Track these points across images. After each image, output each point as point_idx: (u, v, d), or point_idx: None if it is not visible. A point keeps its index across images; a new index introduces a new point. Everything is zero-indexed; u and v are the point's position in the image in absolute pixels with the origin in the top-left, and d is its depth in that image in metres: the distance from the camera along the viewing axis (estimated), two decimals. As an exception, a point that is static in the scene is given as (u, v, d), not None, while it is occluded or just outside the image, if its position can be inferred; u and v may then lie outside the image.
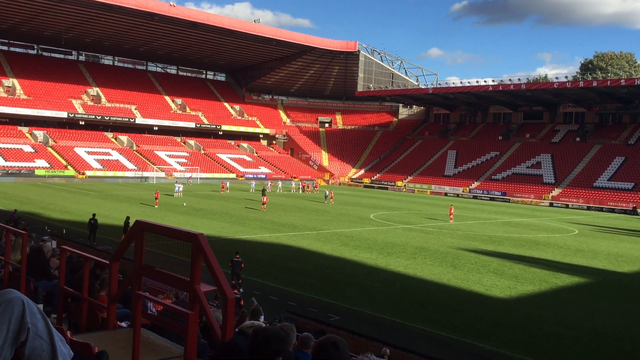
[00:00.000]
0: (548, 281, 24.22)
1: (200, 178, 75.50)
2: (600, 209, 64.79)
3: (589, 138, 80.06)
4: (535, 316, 18.94)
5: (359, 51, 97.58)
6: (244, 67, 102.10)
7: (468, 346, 15.91)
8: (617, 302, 21.62)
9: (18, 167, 65.27)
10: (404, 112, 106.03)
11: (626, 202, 64.74)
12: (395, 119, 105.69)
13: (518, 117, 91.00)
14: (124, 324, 5.74)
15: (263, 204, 46.00)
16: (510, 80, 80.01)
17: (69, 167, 69.09)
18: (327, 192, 57.06)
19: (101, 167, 71.27)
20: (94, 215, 29.37)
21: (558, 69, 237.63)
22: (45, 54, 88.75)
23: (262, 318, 11.66)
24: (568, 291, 22.85)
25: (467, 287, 22.50)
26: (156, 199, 45.05)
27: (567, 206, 67.21)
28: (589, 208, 65.59)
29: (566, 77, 77.92)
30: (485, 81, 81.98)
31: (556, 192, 71.57)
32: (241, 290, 19.55)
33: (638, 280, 26.01)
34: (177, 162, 79.10)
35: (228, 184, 65.13)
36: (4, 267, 7.14)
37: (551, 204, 68.79)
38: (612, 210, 63.96)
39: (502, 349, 15.70)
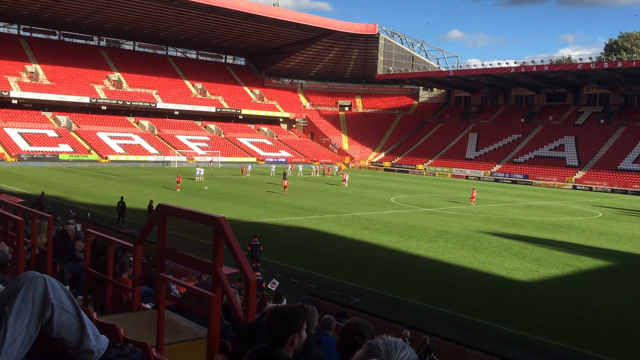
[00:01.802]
0: (571, 264, 24.02)
1: (221, 162, 75.87)
2: (625, 192, 63.85)
3: (613, 120, 78.71)
4: (558, 299, 18.82)
5: (378, 34, 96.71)
6: (263, 51, 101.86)
7: (489, 329, 15.88)
8: (641, 286, 21.37)
9: (42, 151, 66.17)
10: (424, 95, 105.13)
11: (651, 185, 63.74)
12: (415, 102, 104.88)
13: (541, 100, 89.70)
14: (148, 306, 5.82)
15: (285, 187, 46.12)
16: (532, 61, 78.74)
17: (92, 151, 69.88)
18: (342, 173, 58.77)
19: (123, 152, 71.96)
20: (121, 198, 29.81)
21: (581, 50, 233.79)
22: (66, 39, 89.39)
23: (284, 302, 11.76)
24: (591, 274, 22.64)
25: (489, 270, 22.41)
26: (178, 182, 45.48)
27: (590, 189, 66.34)
28: (613, 191, 64.69)
29: (590, 58, 76.55)
30: (507, 63, 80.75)
31: (579, 174, 70.64)
32: (259, 273, 19.67)
33: (663, 263, 25.65)
34: (198, 147, 79.54)
35: (250, 168, 65.39)
36: (30, 250, 7.26)
37: (574, 187, 67.95)
38: (637, 193, 62.97)
39: (524, 331, 15.65)
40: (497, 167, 77.97)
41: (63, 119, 74.94)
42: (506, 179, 73.91)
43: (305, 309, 5.83)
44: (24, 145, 66.16)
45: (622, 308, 18.26)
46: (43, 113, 75.30)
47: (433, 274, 21.71)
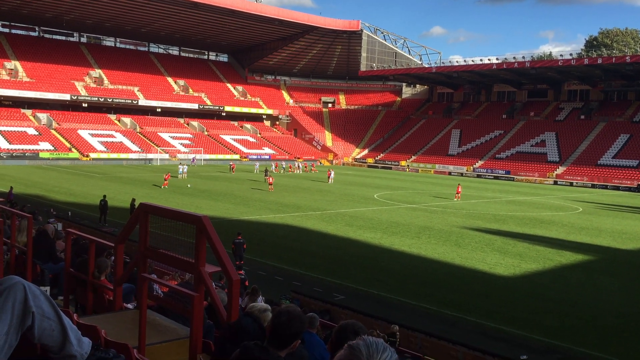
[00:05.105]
0: (552, 259, 24.27)
1: (204, 159, 75.50)
2: (605, 187, 64.64)
3: (593, 116, 79.59)
4: (539, 294, 19.01)
5: (361, 30, 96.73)
6: (246, 48, 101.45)
7: (472, 324, 16.00)
8: (621, 280, 21.66)
9: (22, 149, 65.34)
10: (407, 92, 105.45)
11: (631, 180, 64.57)
12: (398, 99, 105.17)
13: (522, 96, 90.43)
14: (130, 306, 5.78)
15: (270, 184, 45.97)
16: (514, 58, 79.54)
17: (73, 149, 69.16)
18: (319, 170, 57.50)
19: (105, 149, 71.31)
20: (104, 196, 29.56)
21: (561, 47, 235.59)
22: (46, 35, 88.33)
23: (261, 297, 11.76)
24: (572, 269, 22.90)
25: (471, 265, 22.57)
26: (165, 179, 45.16)
27: (571, 184, 67.09)
28: (593, 186, 65.46)
29: (571, 54, 77.36)
30: (489, 59, 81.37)
31: (560, 170, 71.38)
32: (242, 271, 19.62)
33: (642, 257, 26.03)
34: (181, 144, 79.06)
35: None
36: (10, 250, 7.17)
37: (555, 182, 68.66)
38: (616, 188, 63.80)
39: (506, 326, 15.79)
40: (479, 163, 78.48)
41: (43, 116, 74.04)
42: (488, 175, 74.45)
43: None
44: (3, 144, 65.28)
45: (601, 302, 18.50)
46: (23, 110, 74.34)
47: (416, 270, 21.82)
